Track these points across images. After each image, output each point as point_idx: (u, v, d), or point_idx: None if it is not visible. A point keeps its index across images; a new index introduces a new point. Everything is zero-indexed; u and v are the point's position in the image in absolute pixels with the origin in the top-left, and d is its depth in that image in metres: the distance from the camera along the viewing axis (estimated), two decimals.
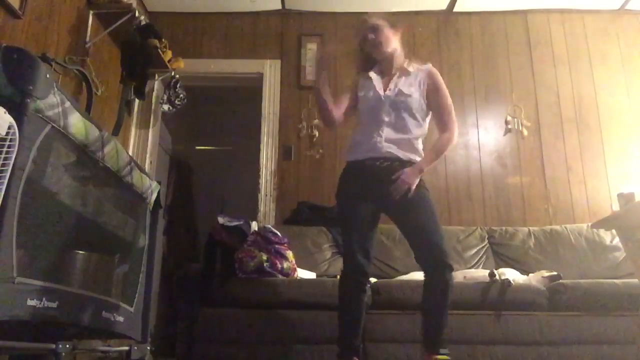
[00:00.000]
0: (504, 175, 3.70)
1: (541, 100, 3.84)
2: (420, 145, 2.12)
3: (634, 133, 3.71)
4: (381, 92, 2.11)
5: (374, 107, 2.10)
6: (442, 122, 2.12)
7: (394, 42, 2.16)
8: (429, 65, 2.22)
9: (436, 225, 1.97)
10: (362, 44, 2.20)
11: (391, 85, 2.12)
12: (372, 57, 2.20)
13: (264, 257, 2.55)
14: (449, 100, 2.14)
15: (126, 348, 2.00)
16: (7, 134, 1.14)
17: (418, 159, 2.06)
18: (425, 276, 1.96)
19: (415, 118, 2.09)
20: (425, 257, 1.94)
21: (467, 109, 3.84)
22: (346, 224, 2.06)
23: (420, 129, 2.11)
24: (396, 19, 2.24)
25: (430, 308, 1.94)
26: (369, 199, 2.02)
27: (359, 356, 1.98)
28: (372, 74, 2.18)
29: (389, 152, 2.03)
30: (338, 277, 2.86)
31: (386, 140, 2.04)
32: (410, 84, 2.12)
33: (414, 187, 1.97)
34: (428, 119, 2.17)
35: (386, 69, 2.18)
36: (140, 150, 3.75)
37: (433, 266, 1.91)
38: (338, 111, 2.17)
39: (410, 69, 2.16)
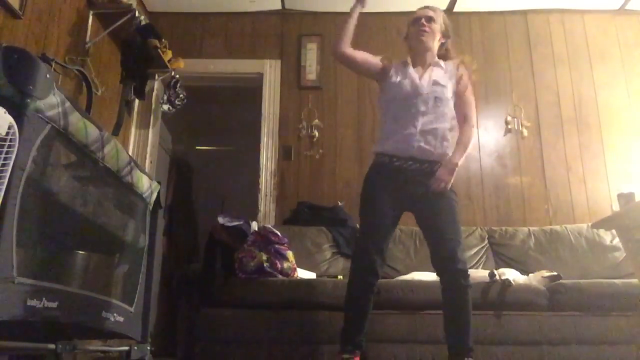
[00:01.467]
0: (504, 175, 3.70)
1: (541, 100, 3.84)
2: (450, 136, 2.12)
3: (634, 133, 3.71)
4: (418, 81, 2.11)
5: (410, 95, 2.08)
6: (465, 114, 2.14)
7: (436, 41, 2.19)
8: (462, 58, 2.24)
9: (455, 232, 1.97)
10: (411, 26, 2.23)
11: (426, 76, 2.13)
12: (409, 45, 2.24)
13: (264, 257, 2.55)
14: (472, 94, 2.18)
15: (126, 348, 2.00)
16: (7, 134, 1.14)
17: (449, 150, 2.07)
18: (441, 282, 1.98)
19: (449, 108, 2.11)
20: (439, 262, 1.97)
21: None
22: (366, 221, 2.05)
23: (453, 119, 2.14)
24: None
25: (449, 317, 1.95)
26: (394, 200, 2.02)
27: (361, 351, 2.00)
28: (409, 62, 2.19)
29: (420, 147, 2.02)
30: (339, 277, 2.90)
31: (420, 133, 2.03)
32: (443, 75, 2.14)
33: (449, 185, 2.00)
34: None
35: (420, 61, 2.19)
36: (140, 150, 3.75)
37: (444, 272, 1.95)
38: (355, 53, 2.18)
39: (442, 64, 2.19)
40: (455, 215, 2.01)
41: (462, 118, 2.13)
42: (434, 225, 2.00)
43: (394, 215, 2.06)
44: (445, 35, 2.22)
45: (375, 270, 1.99)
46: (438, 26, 2.18)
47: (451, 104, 2.12)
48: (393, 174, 2.04)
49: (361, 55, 2.21)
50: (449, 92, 2.11)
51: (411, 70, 2.15)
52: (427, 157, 2.04)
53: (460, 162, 2.03)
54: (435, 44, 2.19)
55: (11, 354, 1.56)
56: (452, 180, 2.01)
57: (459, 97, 2.14)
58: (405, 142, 2.03)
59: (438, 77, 2.12)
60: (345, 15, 2.15)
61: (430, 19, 2.17)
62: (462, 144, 2.07)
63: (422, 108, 2.05)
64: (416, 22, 2.19)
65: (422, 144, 2.02)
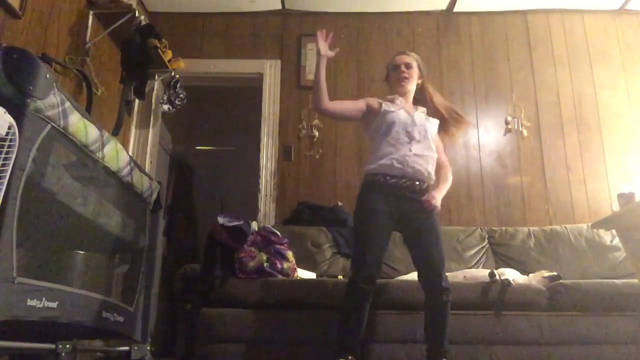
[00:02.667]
0: (504, 175, 3.70)
1: (541, 100, 3.84)
2: (433, 167, 2.32)
3: (634, 133, 3.71)
4: (412, 114, 2.32)
5: (408, 122, 2.26)
6: (442, 160, 2.40)
7: (412, 84, 2.40)
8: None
9: (440, 252, 2.14)
10: (391, 72, 2.42)
11: (416, 113, 2.34)
12: (392, 88, 2.43)
13: (264, 257, 2.55)
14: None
15: (126, 348, 2.00)
16: (7, 134, 1.14)
17: (434, 178, 2.30)
18: (425, 295, 2.13)
19: (434, 142, 2.32)
20: (425, 280, 2.13)
21: (467, 109, 3.84)
22: (365, 234, 2.16)
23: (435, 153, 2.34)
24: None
25: (429, 323, 2.11)
26: (387, 216, 2.16)
27: (356, 357, 2.06)
28: (398, 98, 2.37)
29: (414, 168, 2.20)
30: (339, 277, 2.90)
31: (415, 155, 2.22)
32: (428, 117, 2.38)
33: (439, 205, 2.21)
34: None
35: (404, 99, 2.38)
36: (140, 150, 3.75)
37: (430, 290, 2.11)
38: (336, 104, 2.31)
39: (426, 113, 2.40)
40: (440, 236, 2.20)
41: (442, 162, 2.38)
42: (422, 245, 2.16)
43: (389, 229, 2.20)
44: (421, 76, 2.43)
45: (373, 280, 2.11)
46: (415, 70, 2.39)
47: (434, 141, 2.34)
48: (388, 190, 2.18)
49: (341, 106, 2.37)
50: (435, 130, 2.35)
51: (402, 104, 2.34)
52: (418, 176, 2.21)
53: (442, 196, 2.28)
54: (413, 87, 2.40)
55: (11, 354, 1.56)
56: (439, 205, 2.22)
57: (437, 144, 2.38)
58: (401, 162, 2.19)
59: (424, 115, 2.36)
60: (315, 73, 2.23)
61: (408, 66, 2.37)
62: (445, 181, 2.35)
63: (417, 136, 2.25)
64: (396, 69, 2.38)
65: (415, 165, 2.21)
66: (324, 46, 2.20)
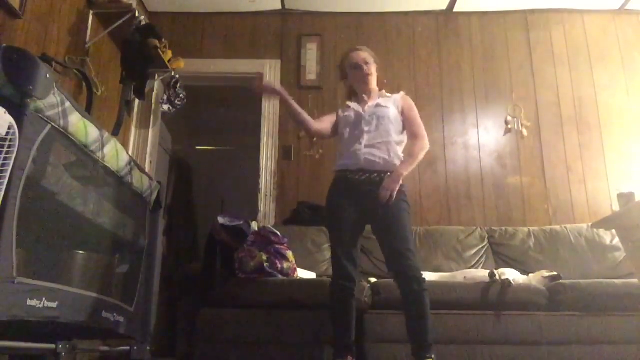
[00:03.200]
0: (504, 175, 3.70)
1: (541, 100, 3.84)
2: (400, 151, 2.28)
3: (634, 133, 3.71)
4: (360, 110, 2.34)
5: (355, 121, 2.30)
6: (413, 132, 2.31)
7: (375, 79, 2.41)
8: (402, 93, 2.44)
9: (404, 241, 2.08)
10: (350, 71, 2.41)
11: (370, 103, 2.35)
12: (353, 89, 2.45)
13: (264, 257, 2.55)
14: (418, 116, 2.36)
15: (126, 348, 2.00)
16: (7, 134, 1.14)
17: (398, 162, 2.22)
18: (399, 288, 2.07)
19: (394, 124, 2.28)
20: (393, 271, 2.09)
21: (467, 109, 3.84)
22: (333, 232, 2.21)
23: (400, 135, 2.30)
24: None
25: (407, 318, 2.04)
26: (352, 210, 2.17)
27: (352, 355, 2.07)
28: (352, 104, 2.40)
29: (367, 159, 2.19)
30: None
31: (366, 147, 2.21)
32: (387, 101, 2.35)
33: (395, 193, 2.12)
34: (405, 134, 2.33)
35: (365, 97, 2.39)
36: (140, 150, 3.75)
37: (401, 279, 2.05)
38: (321, 124, 2.38)
39: (387, 95, 2.40)
40: (405, 224, 2.12)
41: (411, 135, 2.31)
42: (385, 236, 2.13)
43: (355, 223, 2.18)
44: (377, 64, 2.43)
45: (349, 275, 2.10)
46: (373, 65, 2.39)
47: (397, 121, 2.29)
48: (348, 186, 2.20)
49: (324, 124, 2.40)
50: (391, 112, 2.29)
51: (354, 106, 2.37)
52: (373, 167, 2.19)
53: (405, 172, 2.18)
54: (375, 80, 2.41)
55: (11, 354, 1.56)
56: (396, 190, 2.13)
57: (405, 118, 2.33)
58: (354, 158, 2.21)
59: (381, 102, 2.34)
60: (288, 109, 2.33)
61: (367, 61, 2.37)
62: (410, 156, 2.25)
63: (366, 128, 2.26)
64: (357, 67, 2.38)
65: (367, 157, 2.20)
66: (271, 86, 2.38)
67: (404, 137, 2.32)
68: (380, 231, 2.17)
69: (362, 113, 2.31)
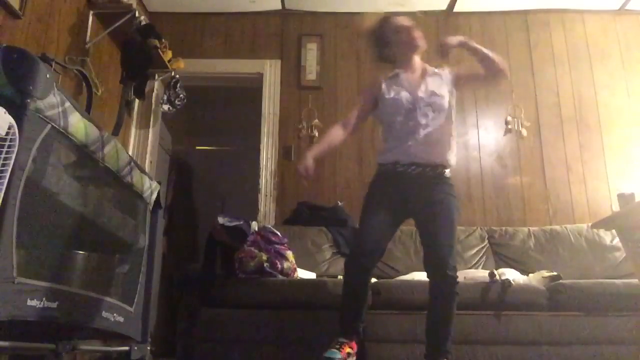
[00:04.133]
0: (504, 176, 3.70)
1: (541, 100, 3.84)
2: (454, 143, 2.15)
3: (634, 133, 3.71)
4: (415, 93, 2.11)
5: (408, 109, 2.09)
6: (475, 72, 2.16)
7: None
8: (447, 68, 2.24)
9: (449, 237, 1.96)
10: (395, 35, 2.18)
11: (422, 87, 2.13)
12: (392, 56, 2.22)
13: (264, 257, 2.55)
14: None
15: (126, 348, 2.00)
16: (7, 134, 1.14)
17: (451, 157, 2.10)
18: (429, 285, 1.98)
19: (448, 117, 2.12)
20: (429, 265, 1.98)
21: (467, 109, 3.84)
22: (364, 213, 2.05)
23: (452, 126, 2.15)
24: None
25: (432, 320, 1.95)
26: (396, 202, 2.04)
27: (359, 338, 2.00)
28: (401, 74, 2.17)
29: (422, 157, 2.04)
30: (339, 277, 2.89)
31: (421, 144, 2.05)
32: (440, 84, 2.15)
33: (454, 42, 2.00)
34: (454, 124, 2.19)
35: (411, 69, 2.19)
36: (140, 150, 3.75)
37: (434, 276, 1.95)
38: (346, 128, 2.18)
39: (436, 71, 2.20)
40: (452, 220, 2.00)
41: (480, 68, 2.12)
42: (429, 229, 2.00)
43: (395, 214, 2.06)
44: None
45: (373, 255, 1.99)
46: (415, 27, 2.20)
47: (451, 113, 2.14)
48: (396, 179, 2.07)
49: (355, 116, 2.21)
50: (446, 102, 2.12)
51: (405, 82, 2.14)
52: (428, 161, 2.05)
53: (473, 45, 2.04)
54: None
55: (11, 354, 1.56)
56: (454, 43, 2.02)
57: (466, 75, 2.19)
58: (406, 154, 2.06)
59: (434, 87, 2.13)
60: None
61: (411, 28, 2.19)
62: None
63: (423, 121, 2.07)
64: (402, 30, 2.18)
65: (422, 154, 2.05)
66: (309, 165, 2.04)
67: (454, 130, 2.19)
68: (425, 225, 2.03)
69: (416, 101, 2.08)
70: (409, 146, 2.05)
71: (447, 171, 2.10)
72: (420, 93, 2.11)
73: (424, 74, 2.17)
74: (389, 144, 2.14)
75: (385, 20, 2.23)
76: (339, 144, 2.20)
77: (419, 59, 2.21)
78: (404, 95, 2.11)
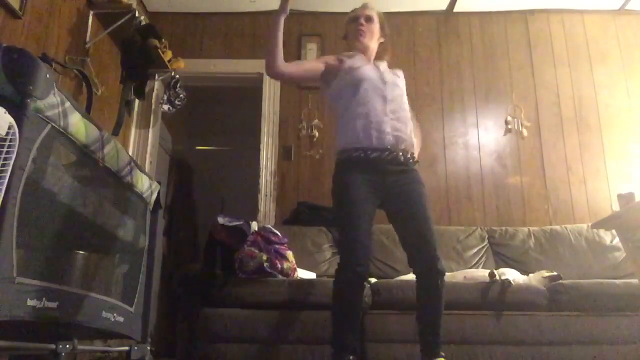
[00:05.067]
0: (504, 175, 3.70)
1: (541, 100, 3.84)
2: (416, 133, 2.13)
3: (634, 133, 3.71)
4: (378, 69, 2.07)
5: (378, 80, 2.02)
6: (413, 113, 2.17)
7: (374, 40, 2.16)
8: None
9: (432, 231, 1.91)
10: (348, 25, 2.19)
11: (380, 68, 2.10)
12: (349, 43, 2.20)
13: (264, 257, 2.55)
14: None
15: (126, 348, 2.00)
16: (7, 134, 1.14)
17: (413, 137, 2.05)
18: (417, 281, 1.93)
19: (405, 98, 2.11)
20: (420, 262, 1.91)
21: (467, 109, 3.84)
22: (350, 216, 1.90)
23: (410, 114, 2.11)
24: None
25: (425, 316, 1.91)
26: (366, 189, 1.92)
27: (356, 354, 1.86)
28: (358, 55, 2.12)
29: (395, 135, 1.94)
30: None
31: (392, 119, 1.96)
32: (394, 72, 2.14)
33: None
34: None
35: (367, 55, 2.16)
36: (140, 150, 3.75)
37: (426, 272, 1.89)
38: (292, 67, 2.05)
39: (385, 65, 2.17)
40: (430, 214, 1.94)
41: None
42: (413, 223, 1.92)
43: (373, 208, 1.96)
44: (384, 34, 2.19)
45: (365, 262, 1.87)
46: (377, 26, 2.15)
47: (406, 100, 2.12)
48: (369, 166, 1.93)
49: (298, 68, 2.11)
50: (403, 85, 2.12)
51: (363, 59, 2.09)
52: (401, 145, 1.96)
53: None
54: (374, 44, 2.16)
55: (11, 354, 1.56)
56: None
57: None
58: (378, 130, 1.93)
59: (390, 73, 2.11)
60: (270, 31, 1.99)
61: (369, 19, 2.13)
62: (418, 138, 2.15)
63: (389, 95, 2.00)
64: (354, 20, 2.15)
65: (395, 132, 1.95)
66: (284, 2, 1.93)
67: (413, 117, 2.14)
68: (403, 216, 1.94)
69: (381, 74, 2.01)
70: (380, 121, 1.93)
71: (415, 157, 2.04)
72: (384, 71, 2.08)
73: (378, 63, 2.15)
74: (353, 116, 1.96)
75: (362, 7, 2.20)
76: (274, 57, 1.97)
77: (370, 51, 2.15)
78: (370, 67, 2.07)
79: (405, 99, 2.08)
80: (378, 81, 2.02)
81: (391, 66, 2.20)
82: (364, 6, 2.19)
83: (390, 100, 1.99)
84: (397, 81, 2.08)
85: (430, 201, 1.99)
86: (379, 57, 2.18)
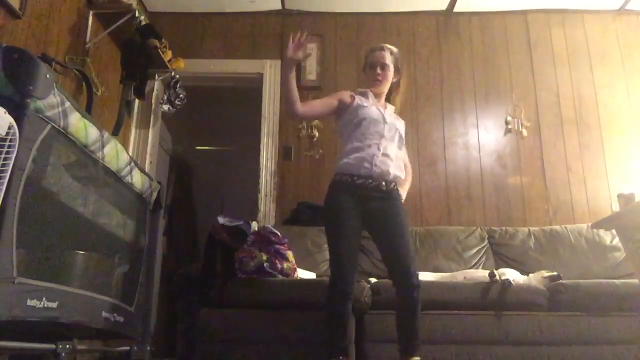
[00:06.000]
0: (504, 175, 3.70)
1: (541, 100, 3.84)
2: (406, 172, 2.38)
3: (634, 133, 3.71)
4: (383, 111, 2.29)
5: (377, 120, 2.24)
6: (405, 162, 2.43)
7: (388, 83, 2.36)
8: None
9: (407, 248, 2.12)
10: (367, 66, 2.38)
11: (387, 112, 2.32)
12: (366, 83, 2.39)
13: (264, 257, 2.55)
14: None
15: (126, 348, 2.00)
16: (7, 134, 1.14)
17: (402, 173, 2.29)
18: (396, 292, 2.11)
19: (402, 142, 2.33)
20: (397, 277, 2.11)
21: (467, 109, 3.84)
22: (337, 237, 2.15)
23: (404, 158, 2.38)
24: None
25: (401, 322, 2.09)
26: (355, 213, 2.15)
27: (347, 355, 2.09)
28: (369, 94, 2.34)
29: (381, 167, 2.18)
30: None
31: (383, 155, 2.20)
32: (397, 117, 2.37)
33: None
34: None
35: (379, 95, 2.37)
36: (140, 150, 3.75)
37: (400, 285, 2.09)
38: (308, 107, 2.26)
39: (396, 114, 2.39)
40: (407, 232, 2.19)
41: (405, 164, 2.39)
42: (389, 242, 2.15)
43: (359, 229, 2.19)
44: (397, 74, 2.38)
45: (352, 281, 2.10)
46: (391, 73, 2.34)
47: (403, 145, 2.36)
48: (354, 190, 2.16)
49: (314, 108, 2.33)
50: (402, 130, 2.34)
51: (372, 100, 2.32)
52: (385, 177, 2.19)
53: (405, 195, 2.35)
54: (387, 87, 2.37)
55: (11, 354, 1.56)
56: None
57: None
58: (369, 162, 2.17)
59: (394, 115, 2.35)
60: (283, 78, 2.18)
61: (384, 67, 2.32)
62: (407, 181, 2.43)
63: (387, 134, 2.24)
64: (373, 67, 2.34)
65: (382, 166, 2.18)
66: (291, 49, 2.11)
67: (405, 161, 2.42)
68: (382, 236, 2.18)
69: (383, 115, 2.27)
70: (372, 154, 2.18)
71: (397, 188, 2.27)
72: (387, 114, 2.29)
73: (386, 105, 2.37)
74: (352, 147, 2.22)
75: (371, 50, 2.39)
76: (293, 102, 2.13)
77: (384, 94, 2.37)
78: (374, 108, 2.28)
79: (400, 141, 2.31)
80: (379, 120, 2.25)
81: (398, 109, 2.43)
82: (382, 48, 2.36)
83: (385, 138, 2.23)
84: (397, 124, 2.30)
85: (407, 224, 2.21)
86: (388, 95, 2.41)
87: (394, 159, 2.23)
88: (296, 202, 3.58)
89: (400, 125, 2.34)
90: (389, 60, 2.33)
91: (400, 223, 2.17)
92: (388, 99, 2.40)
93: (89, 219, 1.71)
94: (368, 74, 2.36)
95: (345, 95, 2.32)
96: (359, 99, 2.30)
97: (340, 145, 2.35)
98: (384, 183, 2.19)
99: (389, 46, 2.37)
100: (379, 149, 2.19)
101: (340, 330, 2.09)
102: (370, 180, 2.17)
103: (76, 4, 2.97)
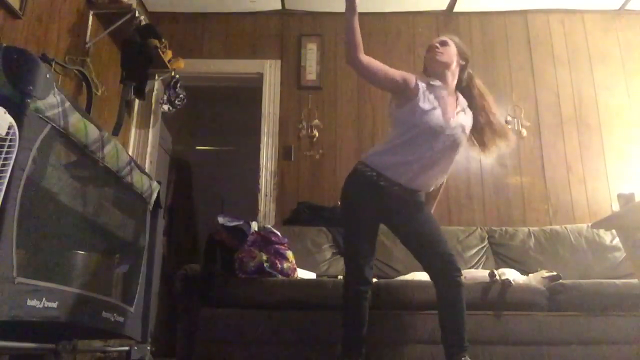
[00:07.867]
0: (504, 175, 3.70)
1: (541, 100, 3.84)
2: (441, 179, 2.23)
3: (634, 133, 3.71)
4: (448, 117, 2.04)
5: (435, 131, 2.01)
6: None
7: (454, 63, 2.12)
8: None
9: (441, 233, 2.07)
10: (425, 56, 2.20)
11: (456, 115, 2.08)
12: (430, 71, 2.18)
13: (264, 257, 2.55)
14: None
15: (126, 348, 2.00)
16: (7, 134, 1.14)
17: (432, 188, 2.18)
18: (438, 284, 2.02)
19: (460, 144, 2.11)
20: (438, 263, 2.02)
21: None
22: (357, 235, 2.07)
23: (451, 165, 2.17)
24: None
25: (446, 318, 2.00)
26: (373, 210, 2.07)
27: (361, 357, 2.03)
28: (440, 89, 2.08)
29: (417, 183, 2.06)
30: (339, 277, 2.89)
31: (421, 172, 2.03)
32: (468, 122, 2.14)
33: None
34: None
35: (448, 87, 2.12)
36: (140, 150, 3.76)
37: (445, 271, 1.99)
38: (373, 62, 2.03)
39: (466, 104, 2.17)
40: (434, 217, 2.15)
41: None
42: (425, 233, 2.07)
43: (377, 226, 2.13)
44: (463, 58, 2.16)
45: (369, 280, 2.05)
46: (453, 49, 2.13)
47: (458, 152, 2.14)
48: (376, 190, 2.05)
49: (380, 67, 2.05)
50: (465, 141, 2.15)
51: (442, 100, 2.06)
52: (412, 187, 2.07)
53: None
54: (454, 67, 2.13)
55: (11, 354, 1.56)
56: None
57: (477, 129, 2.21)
58: (406, 176, 2.02)
59: (465, 122, 2.11)
60: (349, 19, 1.96)
61: (443, 43, 2.14)
62: (436, 198, 2.36)
63: (436, 147, 2.02)
64: (430, 48, 2.16)
65: (417, 182, 2.05)
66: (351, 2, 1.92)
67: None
68: (413, 230, 2.09)
69: (445, 127, 2.01)
70: (408, 170, 2.01)
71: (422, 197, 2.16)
72: (452, 121, 2.04)
73: (458, 102, 2.13)
74: (394, 152, 2.05)
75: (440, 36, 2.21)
76: (357, 43, 1.96)
77: (451, 73, 2.12)
78: (437, 113, 2.02)
79: (452, 152, 2.08)
80: (438, 132, 2.01)
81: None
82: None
83: (435, 151, 2.02)
84: (462, 124, 2.07)
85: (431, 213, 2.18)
86: (459, 84, 2.17)
87: (437, 173, 2.09)
88: (296, 202, 3.58)
89: (466, 121, 2.10)
90: (447, 39, 2.15)
91: (426, 212, 2.12)
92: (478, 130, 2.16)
93: (89, 219, 1.71)
94: (427, 58, 2.15)
95: (411, 79, 2.05)
96: (422, 94, 2.03)
97: (388, 134, 2.18)
98: (409, 191, 2.07)
99: (448, 35, 2.21)
100: (423, 166, 2.02)
101: (356, 329, 2.03)
102: (395, 187, 2.04)
103: (76, 4, 2.97)
